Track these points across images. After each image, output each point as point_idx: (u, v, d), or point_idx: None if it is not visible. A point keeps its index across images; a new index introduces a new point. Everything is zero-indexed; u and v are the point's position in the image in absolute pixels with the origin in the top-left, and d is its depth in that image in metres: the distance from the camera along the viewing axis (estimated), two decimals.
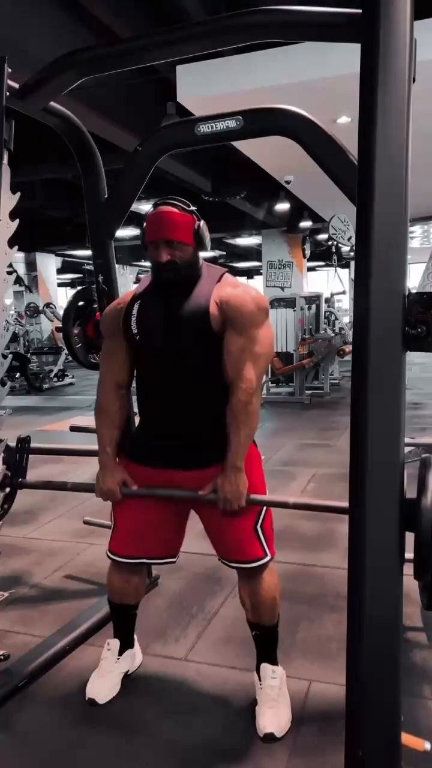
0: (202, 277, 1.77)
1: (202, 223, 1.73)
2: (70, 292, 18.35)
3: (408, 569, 1.27)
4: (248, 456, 1.76)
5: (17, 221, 1.71)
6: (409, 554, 1.26)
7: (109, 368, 1.87)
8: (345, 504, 1.26)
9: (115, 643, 2.00)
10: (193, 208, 1.74)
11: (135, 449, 1.89)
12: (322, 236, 10.42)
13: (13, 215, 1.71)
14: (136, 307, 1.78)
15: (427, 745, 1.32)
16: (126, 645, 2.02)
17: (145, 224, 1.72)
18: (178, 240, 1.69)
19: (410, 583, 2.15)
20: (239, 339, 1.69)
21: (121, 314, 1.80)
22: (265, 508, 1.81)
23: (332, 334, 8.52)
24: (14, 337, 10.46)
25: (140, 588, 2.00)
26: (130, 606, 2.00)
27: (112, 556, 1.90)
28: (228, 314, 1.69)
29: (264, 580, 1.81)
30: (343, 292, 10.89)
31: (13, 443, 2.09)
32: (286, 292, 10.26)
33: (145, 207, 7.55)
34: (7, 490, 2.08)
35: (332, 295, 9.73)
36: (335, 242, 7.41)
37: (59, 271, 14.51)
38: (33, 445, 2.18)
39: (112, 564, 1.93)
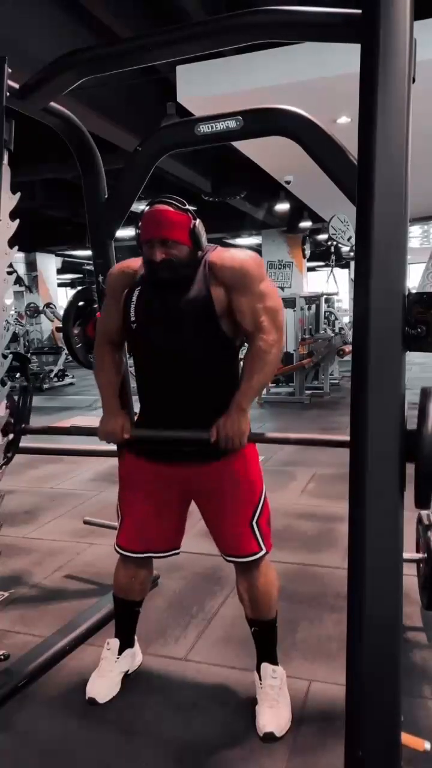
0: (198, 270, 1.74)
1: (198, 222, 1.72)
2: (70, 292, 18.34)
3: (408, 569, 1.26)
4: (247, 452, 1.77)
5: (17, 221, 1.71)
6: (409, 554, 1.26)
7: (104, 329, 1.90)
8: (346, 438, 1.24)
9: (115, 643, 2.01)
10: (188, 206, 1.73)
11: (136, 443, 1.89)
12: (322, 236, 10.42)
13: (13, 215, 1.71)
14: (136, 293, 1.77)
15: (427, 745, 1.32)
16: (126, 644, 2.02)
17: (140, 223, 1.71)
18: (174, 239, 1.67)
19: (410, 583, 2.15)
20: (248, 298, 1.69)
21: (126, 283, 1.81)
22: (261, 504, 1.82)
23: (332, 334, 8.52)
24: (14, 337, 10.46)
25: (146, 584, 2.01)
26: (134, 602, 2.01)
27: (120, 551, 1.91)
28: (229, 278, 1.70)
29: (260, 574, 1.82)
30: (336, 293, 10.88)
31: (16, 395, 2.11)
32: (286, 292, 10.26)
33: (145, 207, 7.53)
34: (11, 436, 2.08)
35: (323, 295, 9.71)
36: (335, 242, 7.42)
37: (59, 271, 14.51)
38: (33, 445, 2.18)
39: (120, 559, 1.94)
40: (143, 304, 1.76)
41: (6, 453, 2.04)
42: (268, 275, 1.87)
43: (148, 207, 1.72)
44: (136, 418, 1.97)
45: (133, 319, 1.76)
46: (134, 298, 1.77)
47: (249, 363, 1.71)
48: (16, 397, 2.11)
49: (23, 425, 2.10)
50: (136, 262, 1.84)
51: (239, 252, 1.76)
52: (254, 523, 1.79)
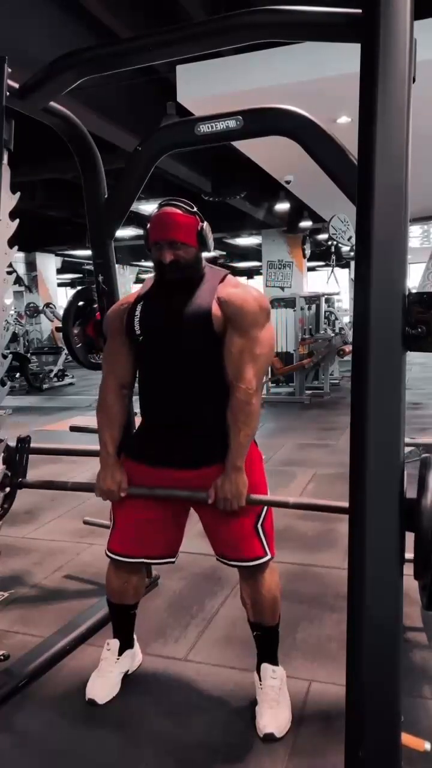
0: (205, 279, 1.77)
1: (205, 224, 1.75)
2: (70, 292, 18.34)
3: (408, 569, 1.27)
4: (249, 455, 1.76)
5: (17, 221, 1.71)
6: (409, 554, 1.26)
7: (112, 369, 1.87)
8: (345, 504, 1.26)
9: (115, 643, 2.00)
10: (196, 209, 1.76)
11: (136, 447, 1.89)
12: (322, 236, 10.42)
13: (13, 215, 1.71)
14: (139, 308, 1.78)
15: (427, 745, 1.32)
16: (126, 645, 2.02)
17: (148, 225, 1.73)
18: (182, 241, 1.70)
19: (410, 583, 2.15)
20: (240, 339, 1.69)
21: (124, 315, 1.81)
22: (265, 507, 1.81)
23: (332, 334, 8.52)
24: (14, 337, 10.46)
25: (139, 588, 2.00)
26: (129, 606, 2.00)
27: (111, 555, 1.90)
28: (229, 314, 1.70)
29: (265, 579, 1.81)
30: (338, 293, 10.88)
31: (13, 443, 2.09)
32: (286, 292, 10.26)
33: (145, 207, 7.55)
34: (7, 489, 2.07)
35: (323, 295, 9.71)
36: (335, 242, 7.41)
37: (59, 271, 14.51)
38: (33, 445, 2.18)
39: (111, 563, 1.93)
40: (147, 314, 1.77)
41: (2, 505, 2.05)
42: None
43: (156, 209, 1.74)
44: (137, 424, 1.97)
45: (138, 332, 1.77)
46: (137, 313, 1.78)
47: (233, 418, 1.70)
48: (12, 449, 2.09)
49: (20, 479, 2.09)
50: (131, 297, 1.86)
51: (248, 293, 1.74)
52: (259, 526, 1.78)
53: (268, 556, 1.80)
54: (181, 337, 1.73)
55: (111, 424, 1.86)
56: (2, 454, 1.92)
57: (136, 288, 1.92)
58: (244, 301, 1.70)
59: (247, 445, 1.73)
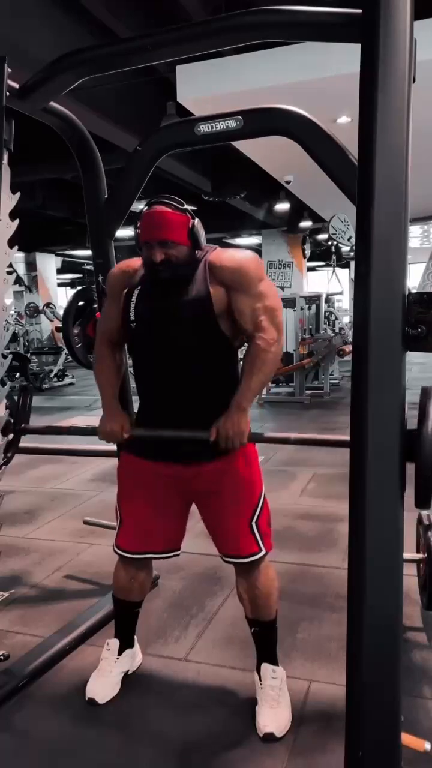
0: (198, 270, 1.74)
1: (196, 221, 1.72)
2: (70, 292, 18.34)
3: (408, 569, 1.26)
4: (247, 452, 1.77)
5: (17, 221, 1.71)
6: (409, 554, 1.26)
7: (105, 327, 1.91)
8: (346, 437, 1.24)
9: (115, 643, 2.01)
10: (187, 206, 1.72)
11: (136, 442, 1.89)
12: (322, 236, 10.42)
13: (13, 215, 1.71)
14: (136, 293, 1.77)
15: (427, 745, 1.32)
16: (126, 645, 2.02)
17: (138, 224, 1.71)
18: (173, 240, 1.67)
19: (410, 583, 2.15)
20: (247, 298, 1.70)
21: (126, 282, 1.81)
22: (260, 504, 1.81)
23: (332, 334, 8.52)
24: (14, 337, 10.46)
25: (146, 584, 2.01)
26: (134, 603, 2.01)
27: (119, 552, 1.91)
28: (228, 278, 1.70)
29: (260, 574, 1.82)
30: (341, 293, 10.90)
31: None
32: (286, 292, 10.26)
33: (144, 207, 7.53)
34: (11, 436, 2.08)
35: (328, 295, 9.73)
36: (335, 242, 7.42)
37: (59, 271, 14.50)
38: (33, 445, 2.18)
39: (120, 560, 1.94)
40: (143, 303, 1.76)
41: (6, 453, 2.04)
42: (268, 275, 1.88)
43: (146, 208, 1.71)
44: (135, 417, 1.97)
45: (132, 318, 1.76)
46: (134, 298, 1.77)
47: (248, 362, 1.72)
48: (15, 397, 2.11)
49: (23, 425, 2.09)
50: (136, 262, 1.84)
51: (238, 252, 1.76)
52: (254, 523, 1.79)
53: (263, 552, 1.80)
54: (178, 330, 1.72)
55: (108, 371, 1.90)
56: (5, 401, 1.93)
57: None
58: (238, 262, 1.71)
59: (257, 390, 1.74)
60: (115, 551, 1.92)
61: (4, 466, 2.01)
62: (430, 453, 1.22)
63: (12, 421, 2.06)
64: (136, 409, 1.97)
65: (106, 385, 1.90)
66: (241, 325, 1.72)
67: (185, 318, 1.71)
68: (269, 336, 1.70)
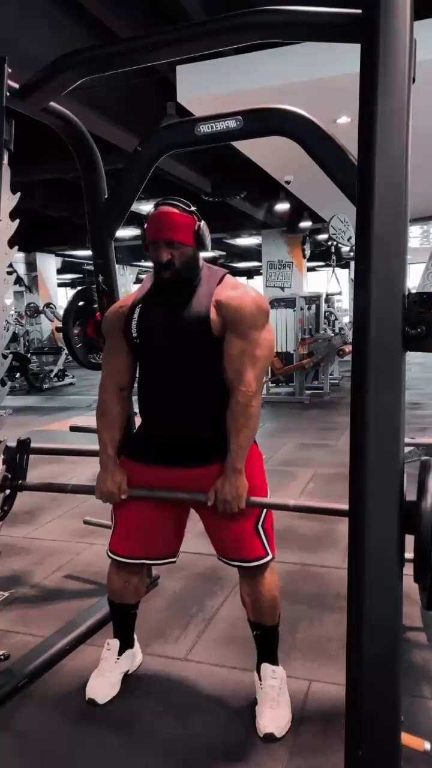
0: (203, 280, 1.77)
1: (202, 223, 1.74)
2: (70, 292, 18.34)
3: (408, 570, 1.27)
4: (249, 456, 1.76)
5: (17, 221, 1.71)
6: (409, 554, 1.26)
7: (111, 371, 1.87)
8: (345, 506, 1.26)
9: (115, 643, 2.00)
10: (193, 208, 1.75)
11: (136, 448, 1.89)
12: (322, 236, 10.42)
13: (13, 215, 1.71)
14: (137, 310, 1.78)
15: (427, 745, 1.32)
16: (126, 645, 2.02)
17: (145, 224, 1.73)
18: (179, 240, 1.69)
19: (410, 583, 2.15)
20: (239, 342, 1.69)
21: (123, 317, 1.81)
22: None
23: (332, 334, 8.52)
24: (14, 337, 10.46)
25: (140, 588, 2.01)
26: (129, 606, 2.00)
27: (112, 556, 1.90)
28: (228, 317, 1.69)
29: (265, 579, 1.81)
30: (339, 293, 10.89)
31: (13, 444, 2.09)
32: (286, 292, 10.26)
33: (145, 207, 7.55)
34: (7, 492, 2.07)
35: (328, 295, 9.72)
36: (335, 242, 7.41)
37: (59, 271, 14.50)
38: (33, 445, 2.18)
39: (112, 564, 1.93)
40: (146, 315, 1.77)
41: (2, 507, 2.05)
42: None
43: (153, 209, 1.73)
44: (136, 425, 1.97)
45: (135, 335, 1.77)
46: (136, 315, 1.78)
47: (233, 421, 1.70)
48: (13, 450, 2.09)
49: (20, 481, 2.09)
50: (128, 299, 1.86)
51: (246, 294, 1.73)
52: (260, 526, 1.78)
53: (270, 556, 1.80)
54: (179, 341, 1.73)
55: (111, 426, 1.86)
56: (2, 455, 1.92)
57: (136, 287, 1.91)
58: (242, 303, 1.69)
59: (247, 447, 1.72)
60: (108, 555, 1.91)
61: (0, 522, 2.02)
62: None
63: (9, 476, 2.06)
64: (136, 409, 1.98)
65: (107, 441, 1.86)
66: (225, 367, 1.71)
67: (186, 327, 1.72)
68: (249, 388, 1.68)
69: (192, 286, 1.75)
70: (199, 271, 1.77)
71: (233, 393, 1.70)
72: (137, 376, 1.87)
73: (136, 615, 2.05)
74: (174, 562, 1.92)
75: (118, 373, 1.85)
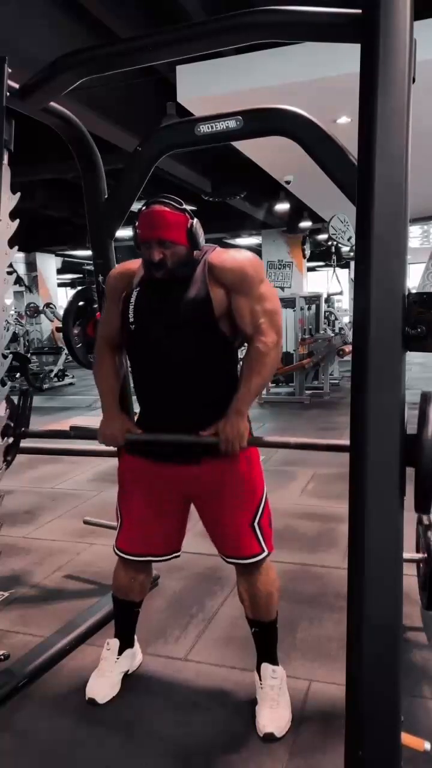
0: (197, 272, 1.74)
1: (195, 221, 1.71)
2: (70, 292, 18.33)
3: (408, 569, 1.27)
4: (249, 453, 1.77)
5: (17, 221, 1.71)
6: (409, 554, 1.26)
7: (104, 330, 1.90)
8: (346, 442, 1.25)
9: (115, 643, 2.01)
10: (185, 206, 1.72)
11: (136, 443, 1.89)
12: (322, 236, 10.42)
13: (13, 215, 1.71)
14: (134, 295, 1.77)
15: (427, 745, 1.32)
16: (126, 644, 2.02)
17: (137, 223, 1.71)
18: (171, 239, 1.66)
19: (410, 584, 2.15)
20: (247, 300, 1.69)
21: (125, 284, 1.81)
22: (262, 505, 1.81)
23: (332, 334, 8.52)
24: (14, 337, 10.45)
25: (146, 584, 2.02)
26: (134, 603, 2.01)
27: (119, 553, 1.91)
28: (228, 279, 1.70)
29: (261, 575, 1.82)
30: (341, 293, 10.90)
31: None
32: (286, 292, 10.26)
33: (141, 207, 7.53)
34: (11, 439, 2.08)
35: (329, 295, 9.74)
36: (335, 242, 7.41)
37: (59, 271, 14.49)
38: (33, 445, 2.18)
39: (120, 561, 1.94)
40: (142, 305, 1.76)
41: (6, 456, 2.04)
42: (268, 275, 1.88)
43: (144, 207, 1.71)
44: (135, 418, 1.97)
45: (131, 320, 1.76)
46: (133, 300, 1.77)
47: (247, 365, 1.72)
48: (15, 400, 2.11)
49: (23, 428, 2.09)
50: (135, 264, 1.84)
51: (239, 253, 1.76)
52: (256, 523, 1.79)
53: (265, 553, 1.80)
54: (177, 335, 1.72)
55: (107, 374, 1.90)
56: (5, 403, 1.93)
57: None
58: (238, 263, 1.71)
59: (256, 393, 1.74)
60: (115, 552, 1.92)
61: (3, 470, 2.01)
62: (430, 458, 1.22)
63: (12, 424, 2.06)
64: (136, 409, 1.98)
65: (106, 389, 1.90)
66: (241, 327, 1.72)
67: (185, 320, 1.71)
68: (269, 339, 1.70)
69: (186, 282, 1.73)
70: (193, 268, 1.74)
71: (252, 342, 1.71)
72: (132, 368, 1.89)
73: (138, 614, 2.05)
74: (178, 555, 1.94)
75: (111, 333, 1.87)
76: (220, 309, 1.70)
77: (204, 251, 1.76)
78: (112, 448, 2.03)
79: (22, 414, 2.10)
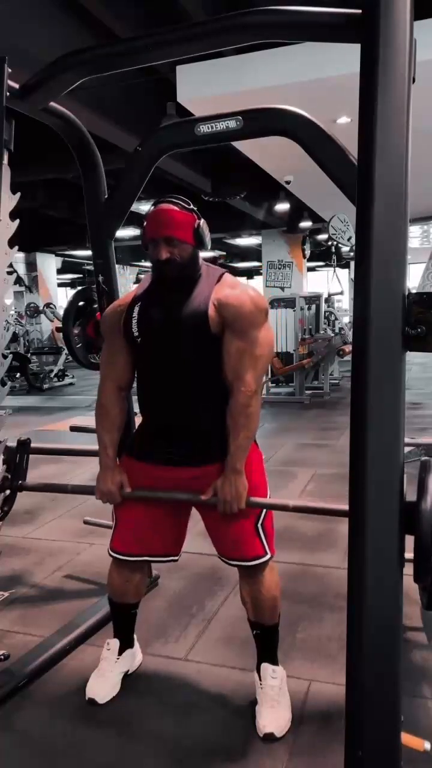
0: (202, 278, 1.76)
1: (202, 221, 1.73)
2: (70, 292, 18.34)
3: (408, 570, 1.27)
4: (249, 456, 1.76)
5: (17, 221, 1.71)
6: (409, 554, 1.26)
7: (109, 371, 1.86)
8: (345, 507, 1.26)
9: (115, 643, 2.00)
10: (193, 206, 1.75)
11: (137, 446, 1.89)
12: (322, 236, 10.42)
13: (13, 215, 1.71)
14: (136, 309, 1.78)
15: (427, 745, 1.32)
16: (126, 645, 2.02)
17: (145, 222, 1.72)
18: (178, 238, 1.68)
19: (410, 583, 2.14)
20: (238, 341, 1.69)
21: (121, 316, 1.80)
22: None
23: (332, 334, 8.52)
24: (14, 337, 10.45)
25: (141, 586, 2.01)
26: (130, 605, 2.01)
27: (113, 554, 1.90)
28: (226, 316, 1.69)
29: (265, 578, 1.81)
30: (341, 293, 10.91)
31: (13, 444, 2.09)
32: (286, 292, 10.26)
33: (145, 207, 7.55)
34: (7, 492, 2.07)
35: (330, 295, 9.74)
36: (335, 242, 7.42)
37: (59, 271, 14.50)
38: (33, 445, 2.18)
39: (114, 562, 1.93)
40: (145, 315, 1.76)
41: (2, 508, 2.05)
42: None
43: (152, 206, 1.72)
44: (136, 425, 1.97)
45: (136, 333, 1.76)
46: (135, 314, 1.77)
47: (232, 420, 1.70)
48: (12, 451, 2.09)
49: (20, 482, 2.09)
50: (126, 297, 1.85)
51: (245, 293, 1.72)
52: (259, 525, 1.79)
53: (268, 555, 1.80)
54: (178, 339, 1.73)
55: (110, 427, 1.86)
56: (2, 456, 1.92)
57: (135, 287, 1.91)
58: (241, 302, 1.69)
59: (247, 447, 1.72)
60: (109, 554, 1.91)
61: (0, 522, 2.02)
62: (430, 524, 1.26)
63: (9, 476, 2.06)
64: (136, 409, 1.98)
65: (106, 441, 1.86)
66: (224, 366, 1.71)
67: (186, 328, 1.71)
68: (248, 389, 1.68)
69: (191, 284, 1.74)
70: (198, 270, 1.76)
71: (232, 393, 1.70)
72: (137, 374, 1.87)
73: (136, 615, 2.05)
74: (176, 560, 1.92)
75: (117, 373, 1.85)
76: (215, 331, 1.70)
77: (215, 273, 1.77)
78: None
79: (20, 466, 2.09)
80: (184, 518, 1.91)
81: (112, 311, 1.88)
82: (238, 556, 1.79)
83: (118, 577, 1.94)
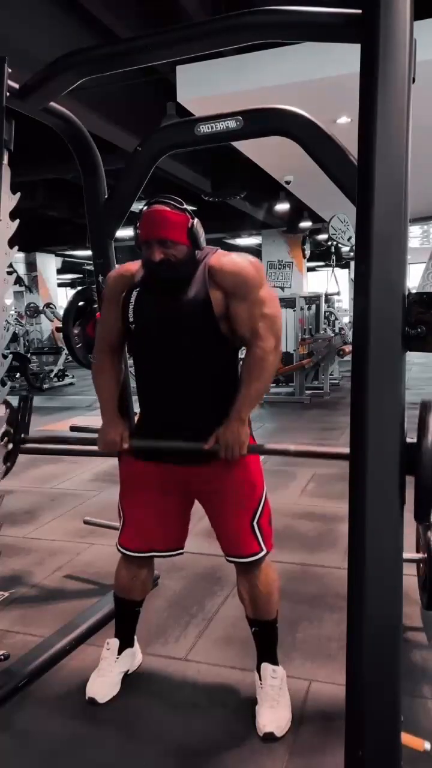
0: (198, 272, 1.74)
1: (196, 221, 1.71)
2: (70, 292, 18.33)
3: (408, 569, 1.27)
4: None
5: (17, 221, 1.71)
6: (409, 554, 1.26)
7: (104, 331, 1.89)
8: (346, 450, 1.25)
9: (115, 643, 2.01)
10: (186, 206, 1.72)
11: (138, 446, 1.89)
12: (322, 236, 10.42)
13: (13, 215, 1.71)
14: (134, 294, 1.77)
15: (427, 745, 1.32)
16: (126, 644, 2.02)
17: (138, 223, 1.71)
18: (172, 239, 1.67)
19: (410, 583, 2.15)
20: (245, 304, 1.69)
21: (124, 288, 1.80)
22: (262, 504, 1.81)
23: (332, 334, 8.52)
24: (14, 337, 10.45)
25: (147, 583, 2.02)
26: (135, 602, 2.01)
27: (122, 550, 1.91)
28: (227, 283, 1.69)
29: (261, 574, 1.82)
30: (338, 293, 10.90)
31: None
32: (286, 292, 10.26)
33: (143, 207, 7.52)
34: (10, 446, 2.07)
35: (326, 295, 9.73)
36: (335, 242, 7.42)
37: (59, 271, 14.49)
38: (33, 445, 2.18)
39: (122, 558, 1.94)
40: (142, 305, 1.76)
41: (5, 462, 2.04)
42: (268, 275, 1.88)
43: (145, 207, 1.71)
44: (136, 419, 1.97)
45: (132, 320, 1.76)
46: (133, 300, 1.77)
47: (246, 371, 1.71)
48: (15, 405, 2.11)
49: (22, 435, 2.09)
50: (134, 265, 1.84)
51: (239, 257, 1.75)
52: (255, 523, 1.79)
53: (264, 552, 1.80)
54: (178, 334, 1.72)
55: (108, 379, 1.89)
56: (6, 410, 1.93)
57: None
58: (239, 267, 1.70)
59: (256, 400, 1.74)
60: (118, 549, 1.93)
61: (3, 474, 2.02)
62: (429, 467, 1.22)
63: (12, 430, 2.06)
64: (136, 409, 1.98)
65: (105, 394, 1.89)
66: (239, 332, 1.72)
67: (185, 320, 1.71)
68: (267, 344, 1.70)
69: (187, 282, 1.73)
70: (195, 268, 1.74)
71: (250, 347, 1.71)
72: (134, 369, 1.88)
73: (139, 613, 2.05)
74: (181, 553, 1.94)
75: (110, 333, 1.87)
76: (219, 311, 1.70)
77: (205, 253, 1.76)
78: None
79: (22, 420, 2.10)
80: (187, 511, 1.92)
81: (118, 276, 1.87)
82: (235, 552, 1.81)
83: (126, 573, 1.95)
